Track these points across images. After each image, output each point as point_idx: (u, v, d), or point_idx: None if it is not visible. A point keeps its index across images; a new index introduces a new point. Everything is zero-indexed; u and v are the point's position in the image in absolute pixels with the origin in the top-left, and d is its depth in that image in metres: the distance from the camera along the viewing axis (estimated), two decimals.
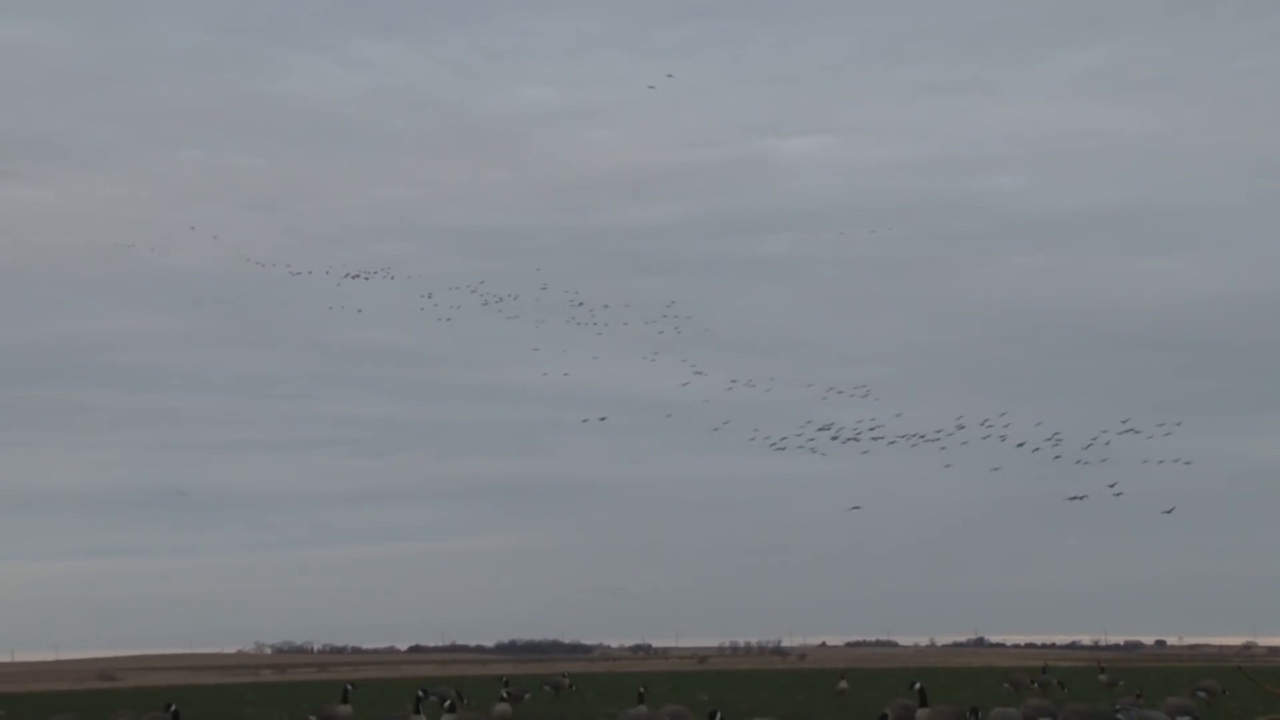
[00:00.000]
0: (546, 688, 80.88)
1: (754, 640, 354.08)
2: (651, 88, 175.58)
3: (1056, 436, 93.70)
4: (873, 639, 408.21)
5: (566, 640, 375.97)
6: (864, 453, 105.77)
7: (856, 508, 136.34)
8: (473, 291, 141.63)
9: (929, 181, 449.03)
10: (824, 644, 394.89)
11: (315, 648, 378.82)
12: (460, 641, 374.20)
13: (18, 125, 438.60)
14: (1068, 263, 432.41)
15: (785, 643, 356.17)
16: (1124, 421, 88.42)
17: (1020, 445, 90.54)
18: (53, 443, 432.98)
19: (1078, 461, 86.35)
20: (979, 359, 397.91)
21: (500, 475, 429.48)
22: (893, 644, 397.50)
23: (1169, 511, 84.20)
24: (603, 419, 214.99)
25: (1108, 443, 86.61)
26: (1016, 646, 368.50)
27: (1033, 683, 78.79)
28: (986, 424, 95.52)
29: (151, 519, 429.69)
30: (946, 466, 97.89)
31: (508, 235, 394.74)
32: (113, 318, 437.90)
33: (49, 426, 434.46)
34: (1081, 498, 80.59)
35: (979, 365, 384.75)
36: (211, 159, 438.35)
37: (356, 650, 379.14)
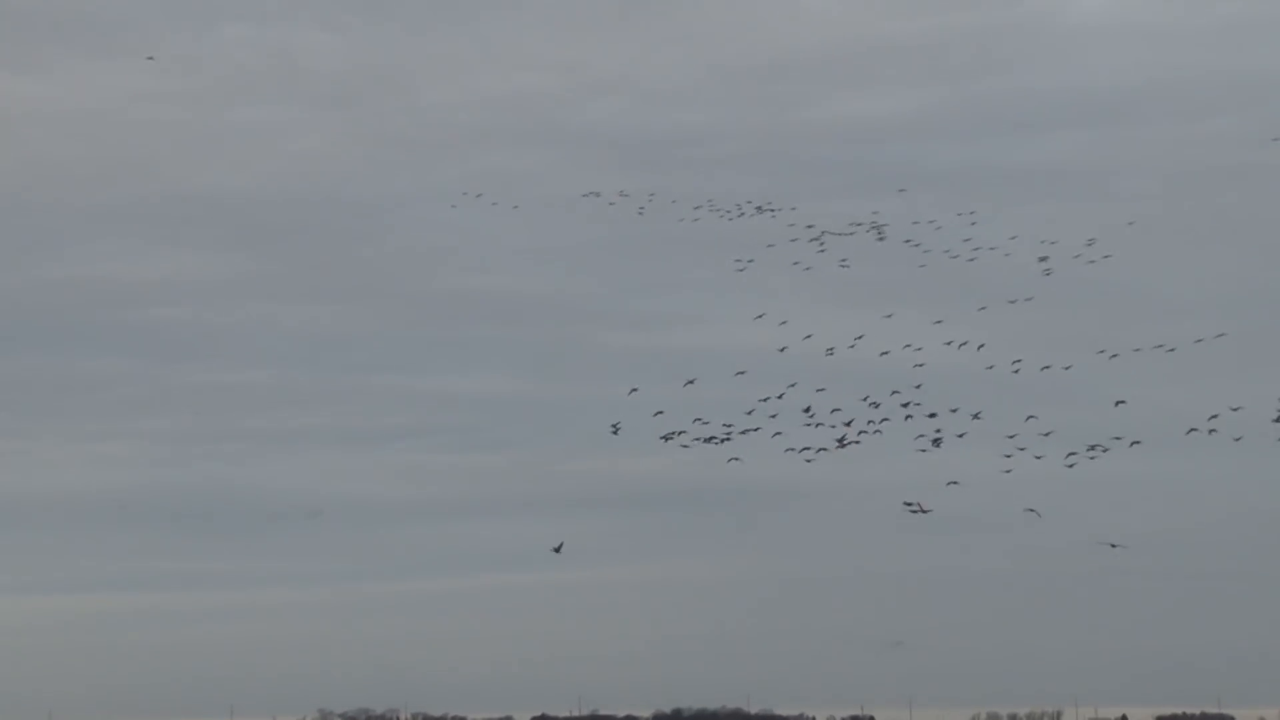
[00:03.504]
0: None
1: (1024, 711, 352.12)
2: None
3: None
4: (1195, 711, 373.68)
5: (753, 709, 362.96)
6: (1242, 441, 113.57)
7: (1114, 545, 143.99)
8: (640, 211, 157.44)
9: None
10: (1124, 717, 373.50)
11: (402, 717, 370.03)
12: (604, 710, 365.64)
13: None
14: None
15: (1068, 715, 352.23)
16: None
17: None
18: (49, 430, 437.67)
19: None
20: None
21: (666, 477, 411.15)
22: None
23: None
24: (809, 411, 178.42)
25: None
26: None
27: None
28: None
29: (182, 538, 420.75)
30: None
31: (679, 139, 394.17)
32: (134, 258, 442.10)
33: (45, 408, 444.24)
34: None
35: None
36: (267, 37, 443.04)
37: None
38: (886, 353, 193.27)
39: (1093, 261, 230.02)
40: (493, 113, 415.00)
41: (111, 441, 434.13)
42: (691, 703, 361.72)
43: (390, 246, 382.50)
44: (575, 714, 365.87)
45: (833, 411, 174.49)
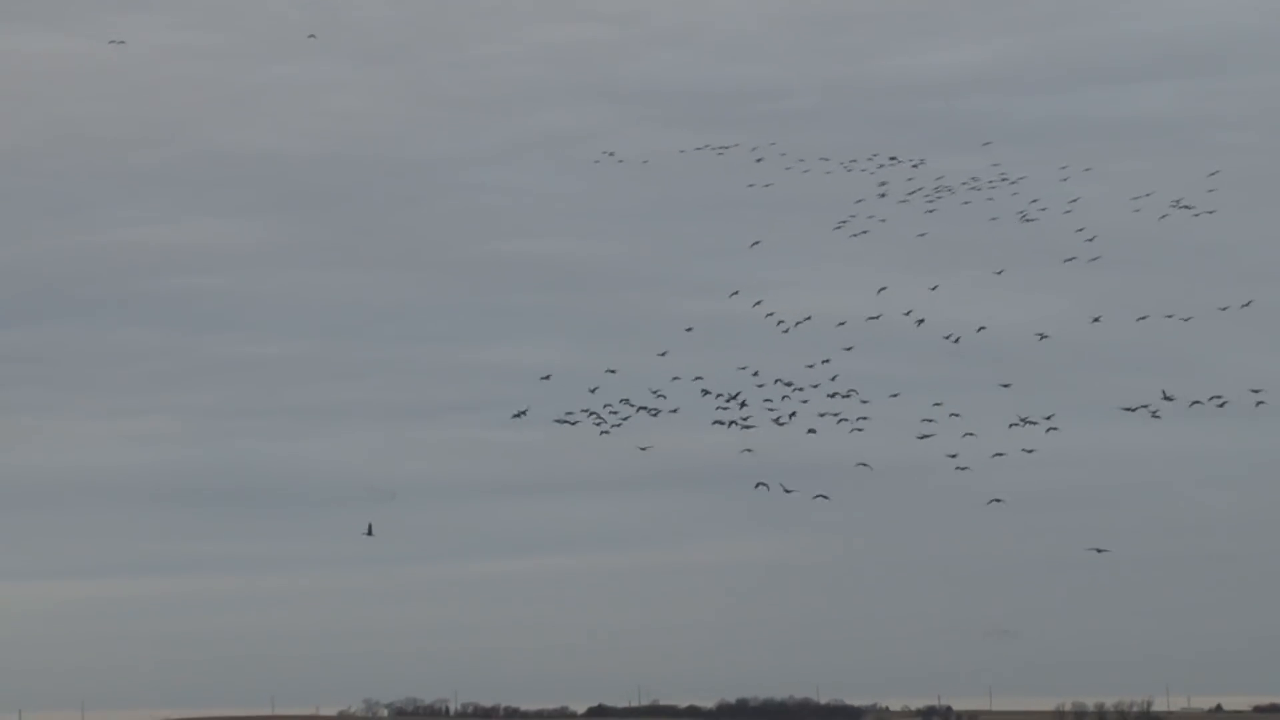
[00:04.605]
0: None
1: (1112, 701, 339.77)
2: None
3: None
4: None
5: (823, 699, 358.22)
6: None
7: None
8: (757, 160, 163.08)
9: None
10: (1219, 708, 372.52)
11: (451, 708, 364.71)
12: (664, 701, 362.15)
13: None
14: None
15: (1159, 705, 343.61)
16: None
17: None
18: (75, 406, 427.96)
19: None
20: None
21: (733, 454, 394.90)
22: None
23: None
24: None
25: None
26: None
27: None
28: None
29: (219, 519, 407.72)
30: None
31: (744, 93, 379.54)
32: (167, 223, 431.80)
33: (72, 382, 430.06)
34: None
35: None
36: None
37: (512, 713, 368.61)
38: (843, 323, 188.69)
39: (1198, 214, 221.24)
40: (547, 66, 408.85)
41: (143, 417, 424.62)
42: (757, 693, 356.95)
43: (439, 210, 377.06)
44: (634, 705, 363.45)
45: (765, 389, 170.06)
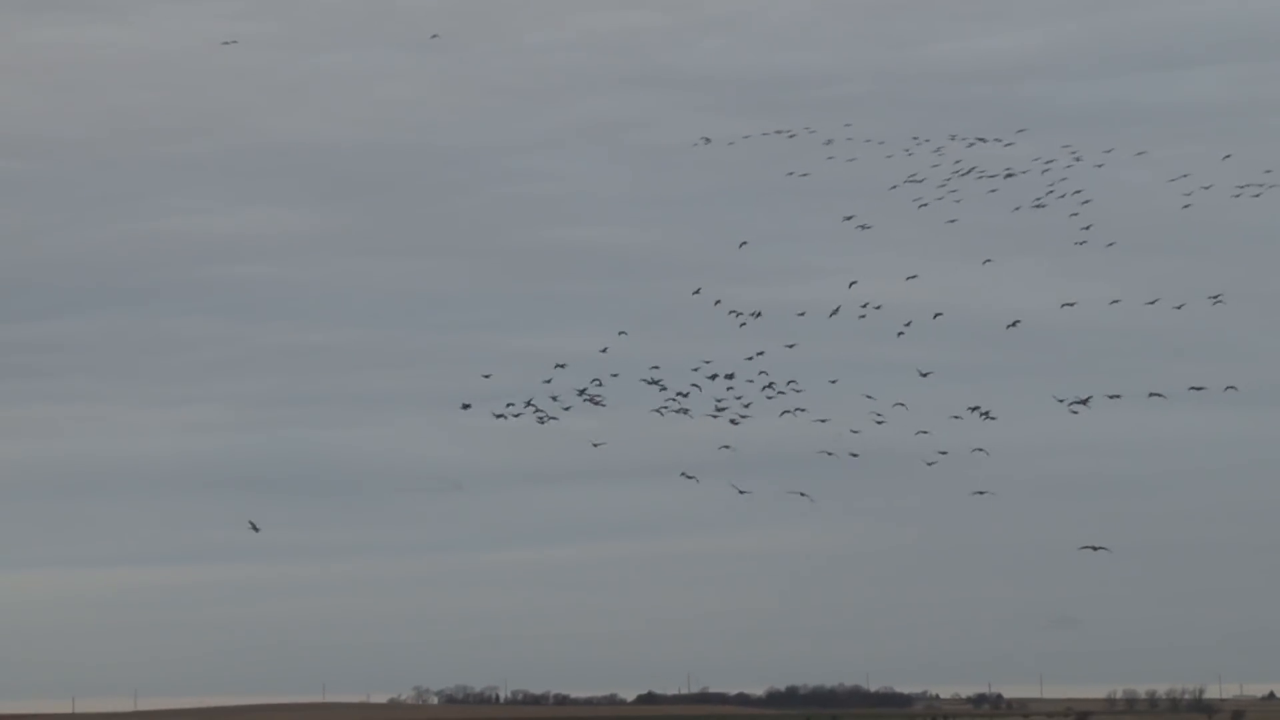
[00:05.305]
0: None
1: (1164, 689, 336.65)
2: None
3: None
4: None
5: (873, 687, 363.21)
6: None
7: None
8: (827, 142, 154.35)
9: None
10: (1271, 695, 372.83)
11: (502, 696, 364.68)
12: (714, 688, 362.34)
13: None
14: None
15: (1211, 692, 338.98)
16: None
17: None
18: (129, 394, 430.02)
19: None
20: None
21: (781, 441, 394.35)
22: None
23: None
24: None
25: None
26: None
27: None
28: None
29: (268, 509, 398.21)
30: None
31: (796, 80, 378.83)
32: (217, 212, 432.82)
33: (124, 371, 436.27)
34: None
35: None
36: None
37: (562, 700, 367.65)
38: (803, 313, 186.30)
39: (1239, 193, 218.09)
40: (594, 54, 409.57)
41: (194, 405, 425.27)
42: (807, 681, 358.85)
43: (488, 198, 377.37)
44: (684, 692, 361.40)
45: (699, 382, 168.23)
